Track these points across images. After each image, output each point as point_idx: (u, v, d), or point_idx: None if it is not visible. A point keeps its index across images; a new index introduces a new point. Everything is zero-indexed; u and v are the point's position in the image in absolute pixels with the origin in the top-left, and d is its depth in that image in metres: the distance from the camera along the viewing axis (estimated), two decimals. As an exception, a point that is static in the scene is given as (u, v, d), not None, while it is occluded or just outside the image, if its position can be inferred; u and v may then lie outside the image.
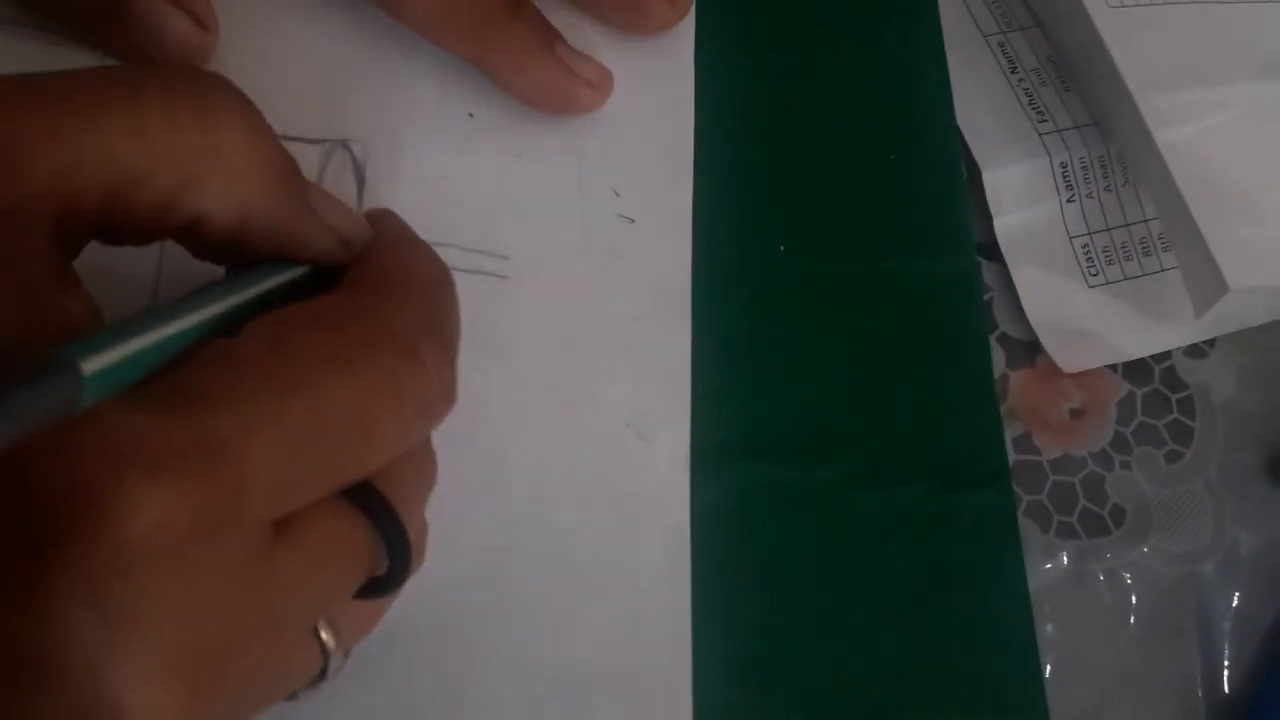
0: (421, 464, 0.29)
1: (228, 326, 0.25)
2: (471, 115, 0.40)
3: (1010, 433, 0.43)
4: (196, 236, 0.27)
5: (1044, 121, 0.47)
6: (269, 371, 0.23)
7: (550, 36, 0.39)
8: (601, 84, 0.40)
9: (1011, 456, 0.42)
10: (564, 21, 0.40)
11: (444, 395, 0.27)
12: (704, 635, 0.36)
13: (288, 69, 0.39)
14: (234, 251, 0.28)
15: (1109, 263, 0.46)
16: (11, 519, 0.21)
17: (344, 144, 0.38)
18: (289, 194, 0.28)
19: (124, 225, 0.25)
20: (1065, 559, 0.41)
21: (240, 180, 0.26)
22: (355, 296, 0.27)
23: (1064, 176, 0.46)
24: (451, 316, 0.29)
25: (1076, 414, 0.44)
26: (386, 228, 0.31)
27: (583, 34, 0.41)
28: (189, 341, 0.24)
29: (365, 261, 0.29)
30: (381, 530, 0.26)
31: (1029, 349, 0.44)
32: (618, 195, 0.40)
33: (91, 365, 0.20)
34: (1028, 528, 0.41)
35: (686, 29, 0.43)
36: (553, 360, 0.37)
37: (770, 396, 0.40)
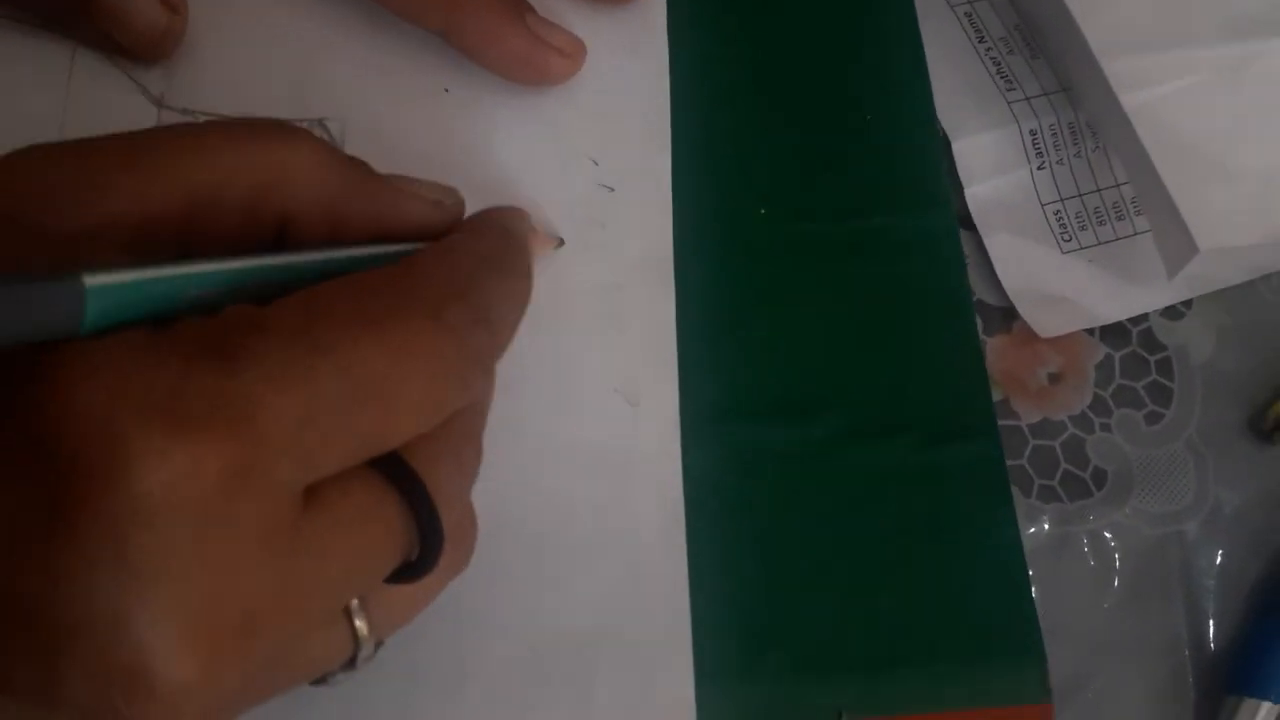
0: (459, 448, 0.28)
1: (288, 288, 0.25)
2: (447, 90, 0.40)
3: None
4: (294, 241, 0.28)
5: (1012, 90, 0.47)
6: (299, 332, 0.23)
7: (520, 7, 0.39)
8: (574, 52, 0.40)
9: (995, 414, 0.42)
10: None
11: (473, 363, 0.27)
12: (701, 595, 0.36)
13: (262, 49, 0.39)
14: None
15: (1082, 228, 0.46)
16: (31, 469, 0.20)
17: (321, 122, 0.38)
18: (369, 181, 0.29)
19: (210, 234, 0.26)
20: (1047, 523, 0.42)
21: (314, 178, 0.27)
22: (395, 267, 0.27)
23: (1034, 144, 0.47)
24: (493, 294, 0.28)
25: (1055, 378, 0.44)
26: (480, 214, 0.32)
27: (554, 5, 0.41)
28: (215, 290, 0.24)
29: (431, 243, 0.29)
30: (410, 504, 0.25)
31: (1005, 315, 0.44)
32: (596, 164, 0.40)
33: (97, 280, 0.20)
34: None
35: (658, -5, 0.43)
36: (539, 330, 0.36)
37: (757, 358, 0.40)
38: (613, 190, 0.40)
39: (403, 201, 0.30)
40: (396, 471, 0.25)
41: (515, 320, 0.30)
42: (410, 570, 0.26)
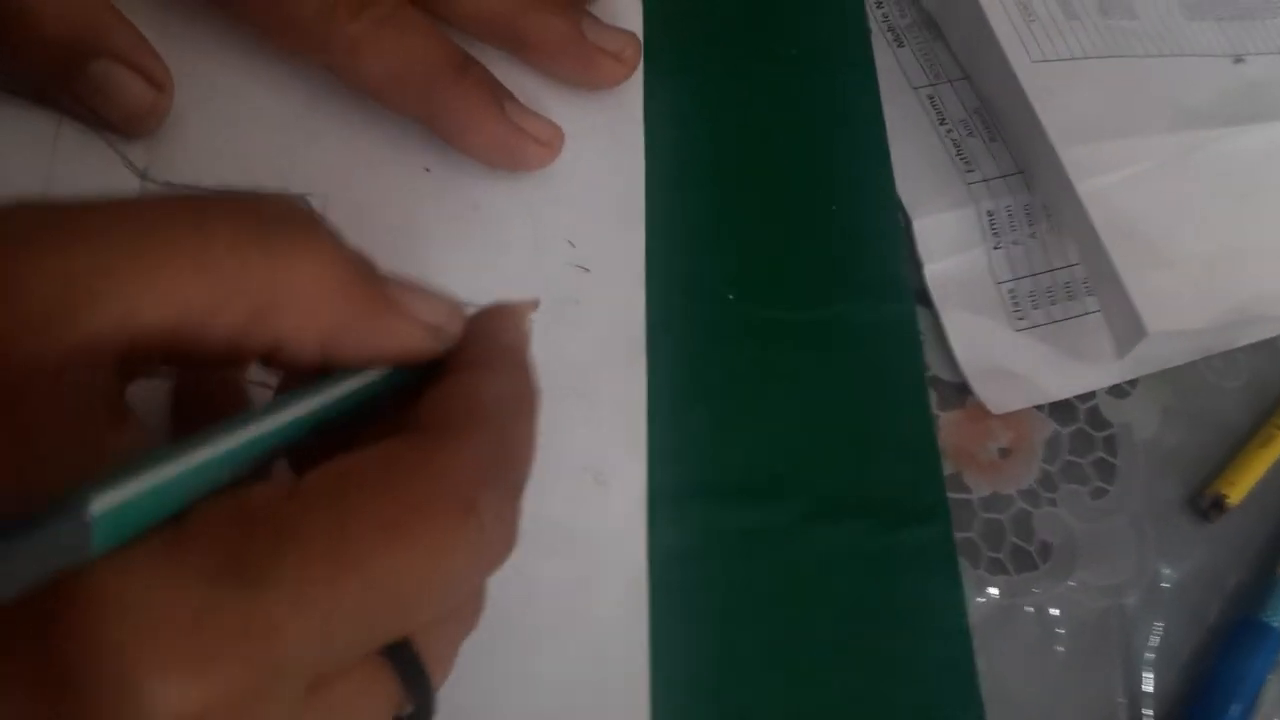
0: (464, 615, 0.28)
1: (291, 442, 0.25)
2: (428, 170, 0.40)
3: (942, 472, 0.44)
4: (280, 362, 0.26)
5: (971, 171, 0.49)
6: (324, 547, 0.22)
7: (499, 95, 0.40)
8: (551, 141, 0.41)
9: (947, 498, 0.43)
10: (515, 79, 0.41)
11: (503, 545, 0.26)
12: (660, 675, 0.36)
13: (246, 125, 0.40)
14: (325, 369, 0.27)
15: (1034, 307, 0.47)
16: (44, 693, 0.20)
17: (303, 199, 0.38)
18: (368, 304, 0.27)
19: (195, 355, 0.24)
20: (995, 593, 0.43)
21: (316, 306, 0.25)
22: (416, 444, 0.25)
23: (990, 224, 0.48)
24: (522, 455, 0.28)
25: (1005, 453, 0.45)
26: (473, 338, 0.30)
27: (534, 90, 0.42)
28: (245, 463, 0.24)
29: (435, 391, 0.27)
30: (409, 688, 0.25)
31: (959, 391, 0.46)
32: (573, 245, 0.41)
33: (102, 504, 0.20)
34: (959, 564, 0.42)
35: (635, 84, 0.44)
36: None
37: (722, 439, 0.41)
38: (588, 271, 0.41)
39: (401, 329, 0.27)
40: (401, 658, 0.25)
41: (534, 455, 0.28)
42: None
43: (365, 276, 0.27)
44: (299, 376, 0.27)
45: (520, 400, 0.28)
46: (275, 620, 0.21)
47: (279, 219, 0.25)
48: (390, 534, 0.23)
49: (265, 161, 0.39)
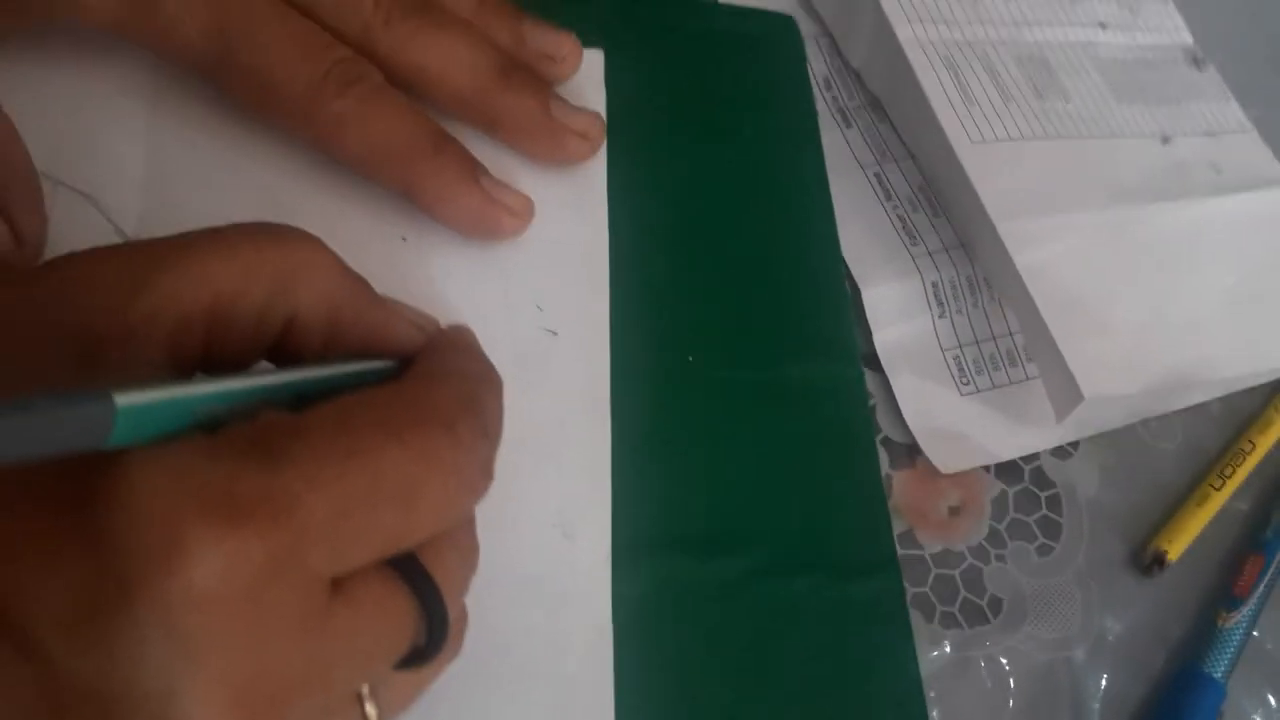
0: (463, 545, 0.31)
1: (285, 404, 0.27)
2: (404, 239, 0.42)
3: (894, 529, 0.45)
4: (293, 340, 0.30)
5: (916, 245, 0.51)
6: (332, 437, 0.25)
7: (474, 168, 0.41)
8: (522, 211, 0.42)
9: (897, 551, 0.44)
10: (488, 156, 0.43)
11: (480, 472, 0.30)
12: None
13: (232, 194, 0.41)
14: (330, 353, 0.31)
15: (978, 372, 0.49)
16: (94, 554, 0.23)
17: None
18: (367, 293, 0.32)
19: (228, 341, 0.29)
20: (949, 647, 0.44)
21: (323, 281, 0.30)
22: (406, 384, 0.30)
23: (935, 295, 0.50)
24: (491, 410, 0.32)
25: (955, 511, 0.47)
26: (448, 335, 0.35)
27: (506, 166, 0.44)
28: (240, 404, 0.26)
29: (419, 361, 0.33)
30: (421, 600, 0.28)
31: (909, 451, 0.47)
32: (541, 310, 0.42)
33: (126, 399, 0.22)
34: (913, 618, 0.43)
35: (599, 161, 0.46)
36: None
37: (682, 495, 0.42)
38: (555, 334, 0.42)
39: (393, 320, 0.33)
40: (411, 570, 0.27)
41: (501, 428, 0.32)
42: (417, 657, 0.29)
43: (362, 278, 0.32)
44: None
45: (486, 372, 0.33)
46: (293, 491, 0.24)
47: (284, 227, 0.30)
48: (385, 435, 0.26)
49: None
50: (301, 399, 0.28)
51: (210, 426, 0.25)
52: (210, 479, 0.23)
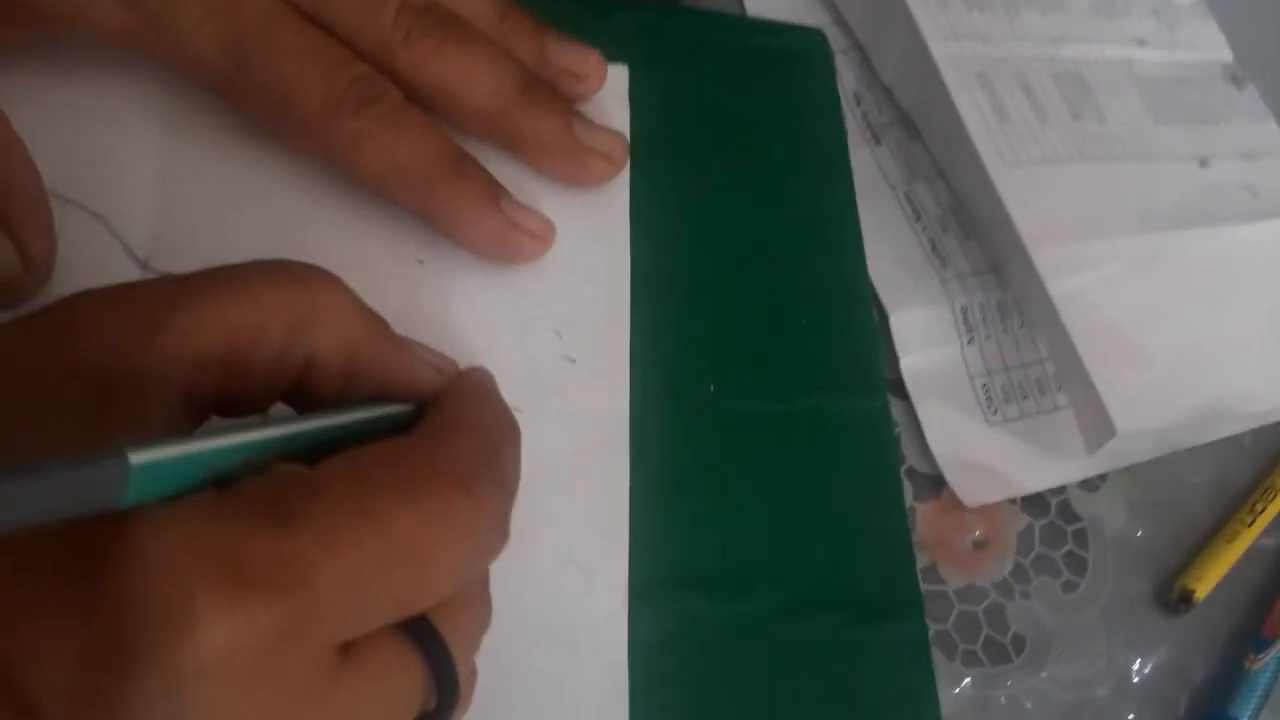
0: (475, 605, 0.30)
1: (299, 453, 0.27)
2: (421, 262, 0.41)
3: (918, 563, 0.44)
4: (310, 382, 0.30)
5: (946, 268, 0.50)
6: (346, 499, 0.25)
7: (495, 191, 0.41)
8: (543, 234, 0.42)
9: (921, 591, 0.44)
10: (508, 175, 0.42)
11: (497, 531, 0.29)
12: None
13: (245, 213, 0.40)
14: (347, 395, 0.30)
15: (1007, 401, 0.48)
16: (102, 618, 0.22)
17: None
18: (387, 334, 0.32)
19: (244, 384, 0.28)
20: (970, 686, 0.43)
21: (341, 322, 0.30)
22: (423, 438, 0.29)
23: (965, 320, 0.49)
24: (509, 463, 0.31)
25: (979, 545, 0.46)
26: (467, 381, 0.34)
27: (526, 186, 0.43)
28: (255, 456, 0.26)
29: (437, 410, 0.31)
30: (433, 664, 0.27)
31: (934, 483, 0.46)
32: (560, 337, 0.42)
33: (140, 457, 0.22)
34: (934, 655, 0.43)
35: (622, 182, 0.45)
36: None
37: (701, 532, 0.41)
38: (574, 362, 0.41)
39: (412, 363, 0.32)
40: (422, 633, 0.27)
41: (519, 480, 0.31)
42: None
43: (381, 318, 0.32)
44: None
45: (505, 424, 0.32)
46: (307, 556, 0.23)
47: (303, 266, 0.30)
48: (401, 496, 0.26)
49: (264, 250, 0.38)
50: (317, 448, 0.27)
51: (223, 481, 0.25)
52: (223, 542, 0.23)
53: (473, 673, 0.31)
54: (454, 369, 0.34)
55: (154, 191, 0.40)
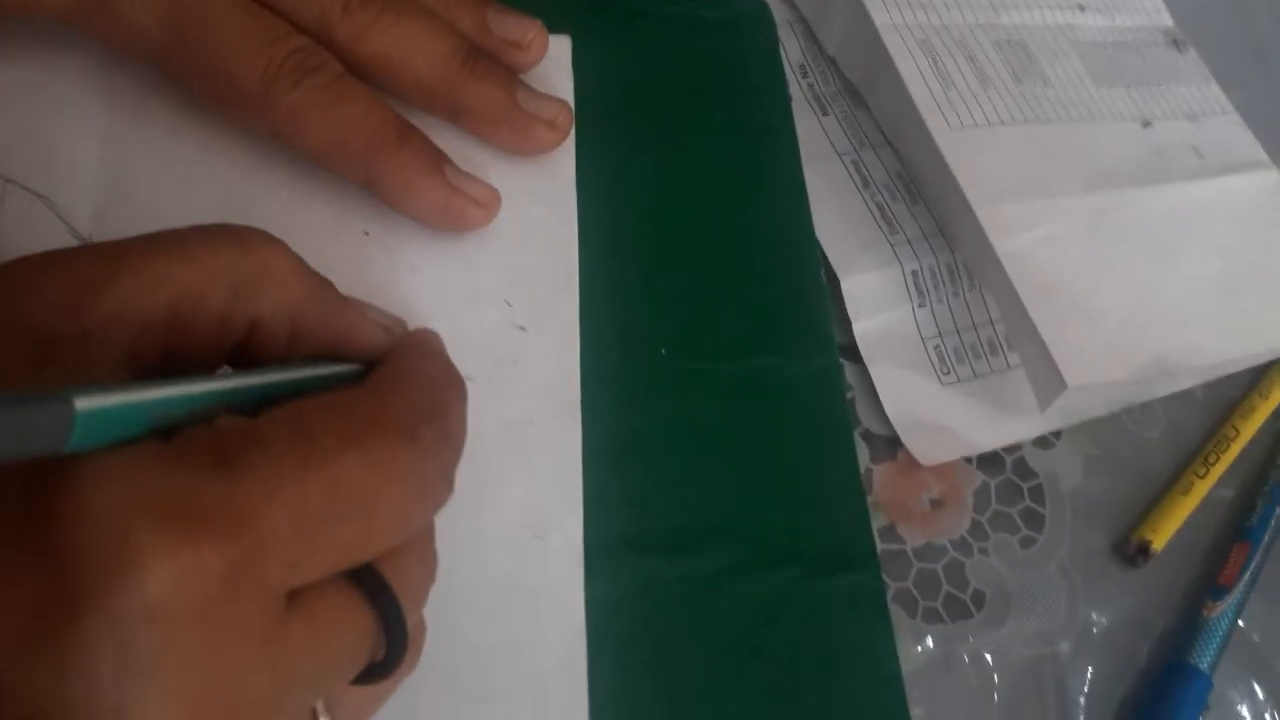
0: (423, 555, 0.30)
1: (245, 407, 0.26)
2: (367, 233, 0.41)
3: (876, 524, 0.45)
4: (257, 344, 0.29)
5: (895, 233, 0.50)
6: (291, 446, 0.25)
7: (438, 160, 0.40)
8: (489, 202, 0.41)
9: (878, 546, 0.44)
10: (453, 145, 0.42)
11: (442, 480, 0.29)
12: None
13: (188, 188, 0.40)
14: (294, 357, 0.30)
15: (959, 362, 0.49)
16: (45, 566, 0.22)
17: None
18: (332, 295, 0.31)
19: (189, 345, 0.28)
20: (932, 642, 0.43)
21: (285, 284, 0.30)
22: (368, 389, 0.29)
23: (915, 283, 0.49)
24: (455, 416, 0.31)
25: (936, 504, 0.46)
26: (414, 338, 0.34)
27: (472, 156, 0.43)
28: (199, 407, 0.25)
29: (383, 365, 0.31)
30: (381, 613, 0.27)
31: (890, 444, 0.47)
32: (509, 305, 0.42)
33: (85, 403, 0.21)
34: (896, 614, 0.43)
35: (567, 149, 0.45)
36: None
37: (656, 493, 0.41)
38: (524, 329, 0.41)
39: (359, 323, 0.32)
40: (370, 582, 0.27)
41: (465, 435, 0.32)
42: (375, 671, 0.28)
43: (326, 280, 0.31)
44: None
45: (451, 378, 0.32)
46: (253, 501, 0.23)
47: (245, 229, 0.30)
48: (345, 443, 0.26)
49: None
50: (263, 403, 0.27)
51: (167, 431, 0.24)
52: (166, 489, 0.22)
53: (421, 625, 0.31)
54: (402, 329, 0.34)
55: (96, 170, 0.39)
